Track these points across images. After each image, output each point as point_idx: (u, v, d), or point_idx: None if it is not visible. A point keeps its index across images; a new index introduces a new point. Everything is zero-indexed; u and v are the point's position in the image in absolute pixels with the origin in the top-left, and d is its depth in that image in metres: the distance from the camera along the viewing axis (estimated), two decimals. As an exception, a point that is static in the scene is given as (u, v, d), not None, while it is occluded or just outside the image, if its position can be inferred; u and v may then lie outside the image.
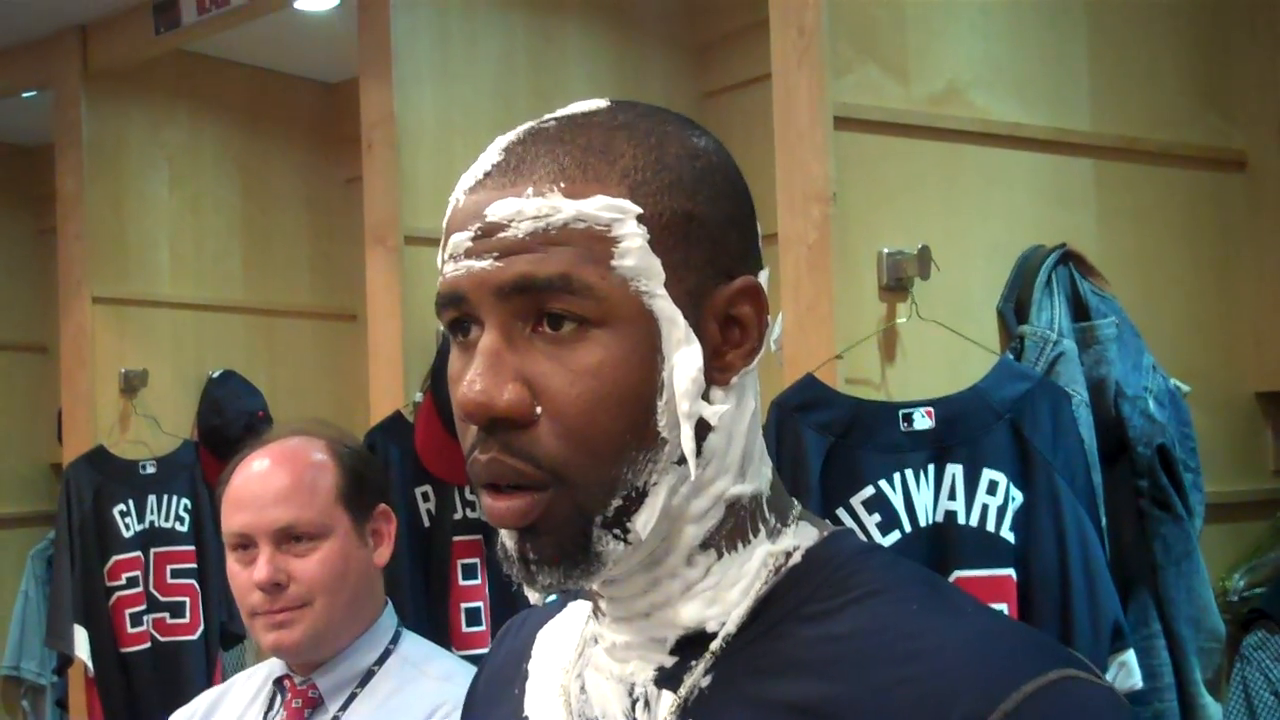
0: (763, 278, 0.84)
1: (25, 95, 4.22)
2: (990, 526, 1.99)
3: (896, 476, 2.00)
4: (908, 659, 0.75)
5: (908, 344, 2.13)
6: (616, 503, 0.79)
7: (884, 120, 2.16)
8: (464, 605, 3.00)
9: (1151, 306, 2.38)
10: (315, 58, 4.20)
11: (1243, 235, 2.57)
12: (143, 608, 3.76)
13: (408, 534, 2.99)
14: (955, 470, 2.00)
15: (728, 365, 0.82)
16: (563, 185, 0.78)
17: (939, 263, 2.09)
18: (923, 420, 2.01)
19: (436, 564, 3.01)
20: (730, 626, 0.82)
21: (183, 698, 1.97)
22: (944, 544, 2.00)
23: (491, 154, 0.82)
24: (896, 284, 2.10)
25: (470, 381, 0.78)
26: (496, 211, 0.78)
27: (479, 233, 0.79)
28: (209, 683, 3.53)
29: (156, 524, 3.80)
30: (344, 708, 1.73)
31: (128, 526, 3.77)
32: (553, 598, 0.98)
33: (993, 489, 2.00)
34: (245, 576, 1.71)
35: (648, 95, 3.40)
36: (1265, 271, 2.56)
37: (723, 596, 0.82)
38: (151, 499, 3.80)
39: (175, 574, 3.79)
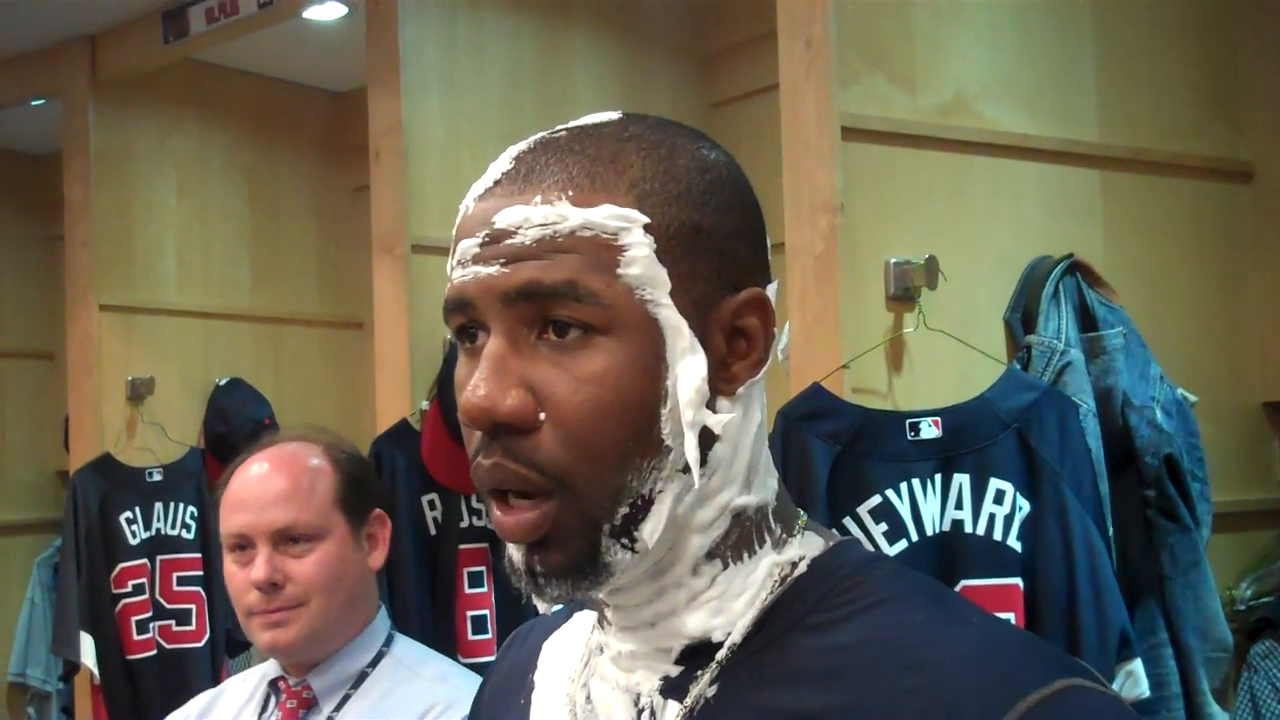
0: (771, 290, 0.84)
1: (34, 103, 4.23)
2: (997, 536, 1.99)
3: (903, 486, 2.00)
4: (913, 669, 0.75)
5: (915, 354, 2.13)
6: (623, 510, 0.79)
7: (891, 131, 2.16)
8: (470, 613, 3.00)
9: (1158, 317, 2.38)
10: (323, 67, 4.21)
11: (1250, 246, 2.57)
12: (149, 615, 3.76)
13: (414, 542, 2.99)
14: (962, 480, 2.00)
15: (734, 376, 0.82)
16: (571, 194, 0.79)
17: (946, 273, 2.09)
18: (929, 430, 2.01)
19: (443, 572, 3.01)
20: (736, 636, 0.82)
21: (188, 705, 1.97)
22: (951, 553, 1.99)
23: (502, 162, 0.82)
24: (904, 294, 2.10)
25: (474, 386, 0.78)
26: (505, 218, 0.79)
27: (487, 239, 0.80)
28: (215, 691, 3.53)
29: (163, 531, 3.80)
30: (338, 709, 1.75)
31: (134, 534, 3.77)
32: (559, 607, 0.98)
33: (1000, 498, 1.99)
34: (242, 577, 1.73)
35: (655, 105, 3.42)
36: (1272, 282, 2.56)
37: (728, 606, 0.82)
38: (158, 506, 3.80)
39: (181, 581, 3.79)
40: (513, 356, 0.79)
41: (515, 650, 1.01)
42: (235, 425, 3.94)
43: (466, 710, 1.68)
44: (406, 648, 1.83)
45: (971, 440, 2.01)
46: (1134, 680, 1.97)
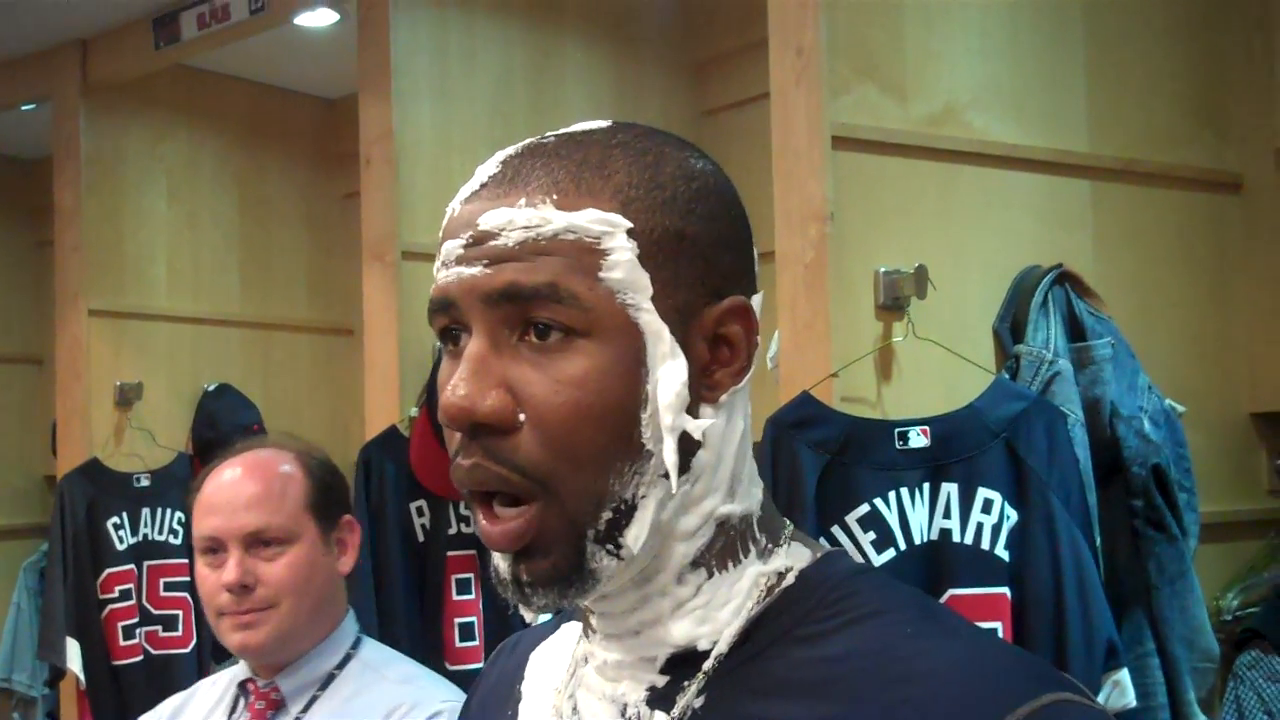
0: (756, 300, 0.84)
1: (24, 108, 4.22)
2: (985, 545, 1.99)
3: (892, 494, 2.00)
4: (901, 682, 0.75)
5: (904, 363, 2.14)
6: (607, 515, 0.79)
7: (881, 140, 2.17)
8: (458, 620, 2.99)
9: (1147, 327, 2.38)
10: (315, 74, 4.21)
11: (1238, 257, 2.58)
12: (135, 620, 3.75)
13: (402, 548, 2.98)
14: (950, 489, 2.00)
15: (716, 384, 0.82)
16: (555, 197, 0.79)
17: (935, 282, 2.09)
18: (918, 439, 2.01)
19: (430, 579, 3.00)
20: (722, 646, 0.82)
21: (175, 712, 1.97)
22: (939, 562, 2.00)
23: (490, 166, 0.83)
24: (893, 303, 2.11)
25: (454, 386, 0.79)
26: (488, 220, 0.79)
27: (470, 240, 0.80)
28: (201, 697, 3.52)
29: (150, 537, 3.79)
30: (305, 709, 1.78)
31: (121, 539, 3.76)
32: (546, 618, 0.98)
33: (988, 507, 2.00)
34: (214, 579, 1.76)
35: (646, 113, 3.43)
36: (1260, 293, 2.57)
37: (713, 615, 0.82)
38: (145, 512, 3.79)
39: (168, 587, 3.78)
40: (493, 357, 0.79)
41: (502, 661, 1.01)
42: (224, 431, 3.93)
43: (430, 711, 1.70)
44: (373, 650, 1.86)
45: (960, 449, 2.01)
46: (1120, 690, 1.98)
